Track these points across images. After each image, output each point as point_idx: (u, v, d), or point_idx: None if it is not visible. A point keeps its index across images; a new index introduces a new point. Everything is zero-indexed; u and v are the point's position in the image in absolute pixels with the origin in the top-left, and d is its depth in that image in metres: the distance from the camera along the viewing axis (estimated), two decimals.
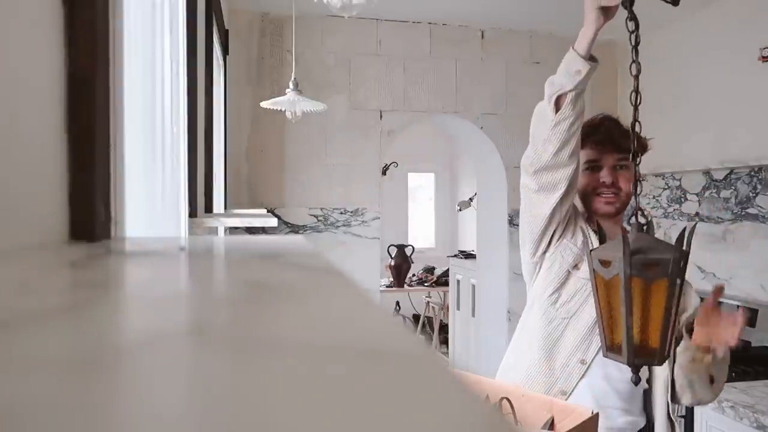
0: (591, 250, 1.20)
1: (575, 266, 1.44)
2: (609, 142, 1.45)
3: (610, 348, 1.18)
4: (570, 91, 1.28)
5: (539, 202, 1.42)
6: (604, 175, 1.45)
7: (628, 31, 1.18)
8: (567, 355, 1.39)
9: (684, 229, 1.15)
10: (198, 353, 0.22)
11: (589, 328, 1.38)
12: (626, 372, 1.24)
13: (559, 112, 1.29)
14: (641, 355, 1.15)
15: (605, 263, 1.15)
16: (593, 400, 1.35)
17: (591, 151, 1.47)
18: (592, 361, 1.37)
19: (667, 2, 1.27)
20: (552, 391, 1.37)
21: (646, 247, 1.13)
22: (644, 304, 1.14)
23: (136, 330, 0.26)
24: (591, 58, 1.28)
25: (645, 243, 1.14)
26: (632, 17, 1.18)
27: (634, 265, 1.11)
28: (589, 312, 1.37)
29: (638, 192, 1.19)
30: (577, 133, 1.32)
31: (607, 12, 1.23)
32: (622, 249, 1.10)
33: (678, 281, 1.12)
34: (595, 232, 1.48)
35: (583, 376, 1.38)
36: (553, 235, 1.47)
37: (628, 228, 1.21)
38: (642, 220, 1.16)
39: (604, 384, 1.38)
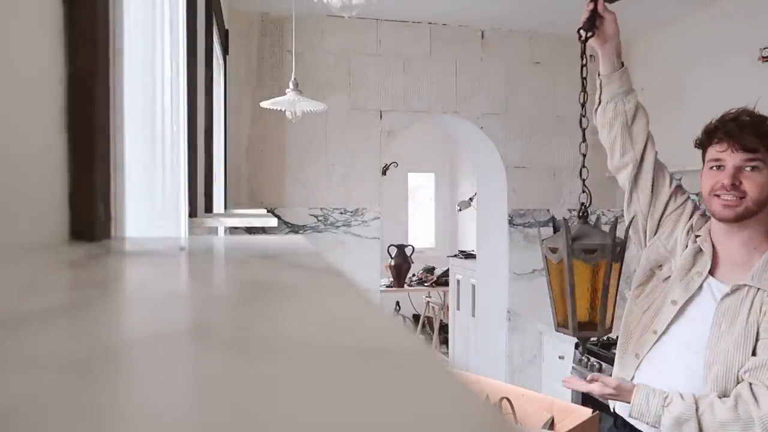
0: (542, 240, 1.37)
1: (659, 266, 1.45)
2: (732, 139, 1.30)
3: (561, 324, 1.36)
4: (597, 106, 1.48)
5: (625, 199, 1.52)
6: (724, 176, 1.30)
7: (581, 63, 1.41)
8: (631, 349, 1.44)
9: (616, 219, 1.35)
10: (198, 353, 0.22)
11: (645, 324, 1.42)
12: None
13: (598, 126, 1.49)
14: (585, 329, 1.33)
15: (553, 250, 1.32)
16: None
17: (714, 149, 1.34)
18: (644, 355, 1.40)
19: None
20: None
21: (585, 235, 1.32)
22: (585, 284, 1.31)
23: (136, 330, 0.26)
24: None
25: (585, 231, 1.33)
26: (583, 52, 1.41)
27: (575, 250, 1.28)
28: (653, 310, 1.41)
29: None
30: (619, 138, 1.46)
31: (590, 40, 1.43)
32: (564, 236, 1.29)
33: (612, 264, 1.30)
34: (696, 236, 1.40)
35: (637, 368, 1.41)
36: (646, 233, 1.49)
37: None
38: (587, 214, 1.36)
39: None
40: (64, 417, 0.15)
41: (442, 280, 5.46)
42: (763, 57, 2.87)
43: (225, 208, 2.89)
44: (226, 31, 3.04)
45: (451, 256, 5.12)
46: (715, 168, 1.33)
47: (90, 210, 0.58)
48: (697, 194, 1.49)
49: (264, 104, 2.61)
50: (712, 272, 1.36)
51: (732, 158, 1.29)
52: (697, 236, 1.40)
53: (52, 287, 0.35)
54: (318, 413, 0.16)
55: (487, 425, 0.16)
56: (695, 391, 1.28)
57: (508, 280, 3.60)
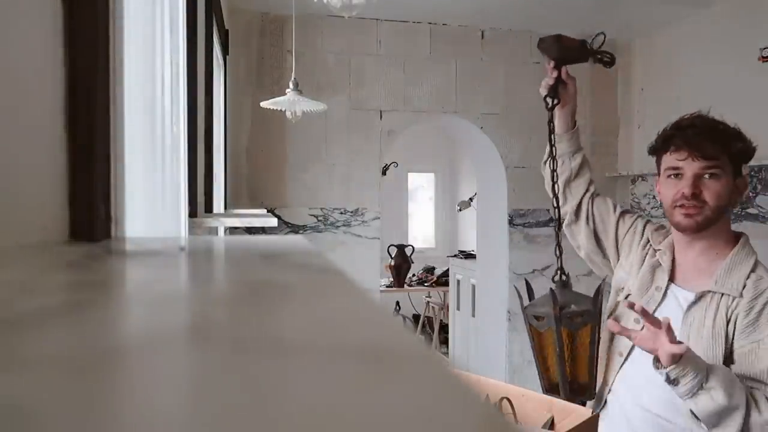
0: (525, 306, 1.42)
1: (621, 288, 1.44)
2: (691, 147, 1.25)
3: (550, 389, 1.39)
4: (547, 159, 1.54)
5: None
6: (684, 185, 1.26)
7: (549, 130, 1.52)
8: (603, 376, 1.41)
9: (600, 287, 1.41)
10: (198, 353, 0.22)
11: (612, 349, 1.39)
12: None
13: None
14: (576, 392, 1.36)
15: (539, 318, 1.38)
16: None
17: (671, 157, 1.29)
18: (613, 380, 1.37)
19: (603, 64, 1.52)
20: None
21: (570, 301, 1.38)
22: (572, 349, 1.36)
23: (136, 330, 0.26)
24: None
25: (569, 297, 1.39)
26: (551, 119, 1.52)
27: (563, 318, 1.35)
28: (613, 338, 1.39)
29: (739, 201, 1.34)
30: (561, 192, 1.52)
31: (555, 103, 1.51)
32: (551, 304, 1.35)
33: (597, 327, 1.36)
34: (656, 250, 1.38)
35: (609, 391, 1.37)
36: (609, 261, 1.51)
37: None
38: (564, 278, 1.43)
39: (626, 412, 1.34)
40: (65, 417, 0.15)
41: (442, 280, 5.46)
42: (763, 57, 2.87)
43: (225, 208, 2.89)
44: (226, 31, 3.04)
45: (451, 256, 5.12)
46: (673, 177, 1.29)
47: (90, 210, 0.58)
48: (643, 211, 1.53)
49: (264, 104, 2.61)
50: (675, 279, 1.34)
51: (691, 166, 1.25)
52: (657, 250, 1.38)
53: (51, 287, 0.35)
54: (318, 413, 0.16)
55: (487, 425, 0.16)
56: (669, 409, 1.24)
57: (508, 280, 3.60)
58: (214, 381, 0.18)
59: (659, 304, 1.32)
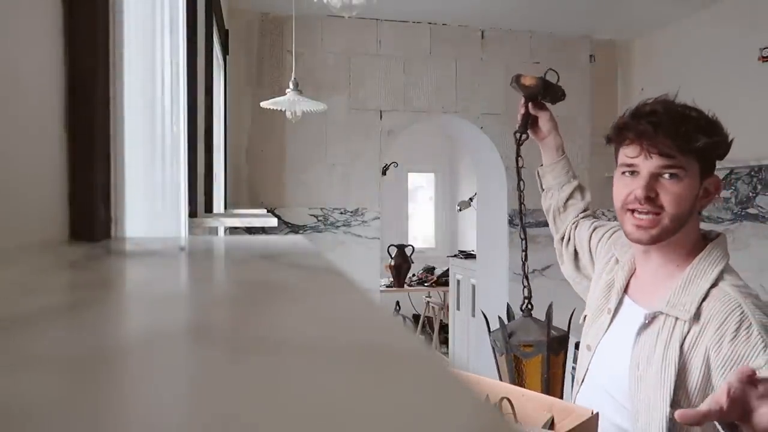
0: (509, 335, 1.45)
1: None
2: (645, 141, 1.03)
3: None
4: (543, 192, 1.56)
5: None
6: (637, 186, 1.04)
7: (516, 166, 1.59)
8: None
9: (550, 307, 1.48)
10: (198, 353, 0.22)
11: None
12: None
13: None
14: None
15: (527, 346, 1.42)
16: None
17: (625, 152, 1.07)
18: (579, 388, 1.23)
19: (550, 101, 1.56)
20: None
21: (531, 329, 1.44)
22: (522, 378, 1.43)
23: (136, 330, 0.26)
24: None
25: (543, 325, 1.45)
26: (518, 154, 1.59)
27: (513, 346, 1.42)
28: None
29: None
30: (552, 223, 1.52)
31: (530, 136, 1.55)
32: (542, 332, 1.41)
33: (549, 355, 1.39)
34: (617, 260, 1.22)
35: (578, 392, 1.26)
36: (589, 283, 1.43)
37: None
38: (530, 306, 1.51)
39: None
40: (64, 417, 0.15)
41: (442, 280, 5.46)
42: (763, 57, 2.87)
43: (225, 208, 2.89)
44: (226, 31, 3.04)
45: (451, 256, 5.12)
46: (627, 174, 1.07)
47: (90, 210, 0.58)
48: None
49: (264, 104, 2.61)
50: (633, 294, 1.16)
51: (647, 164, 1.04)
52: (618, 262, 1.23)
53: (52, 287, 0.35)
54: (318, 413, 0.16)
55: (487, 425, 0.16)
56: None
57: (508, 280, 3.61)
58: (214, 381, 0.18)
59: (609, 325, 1.16)
